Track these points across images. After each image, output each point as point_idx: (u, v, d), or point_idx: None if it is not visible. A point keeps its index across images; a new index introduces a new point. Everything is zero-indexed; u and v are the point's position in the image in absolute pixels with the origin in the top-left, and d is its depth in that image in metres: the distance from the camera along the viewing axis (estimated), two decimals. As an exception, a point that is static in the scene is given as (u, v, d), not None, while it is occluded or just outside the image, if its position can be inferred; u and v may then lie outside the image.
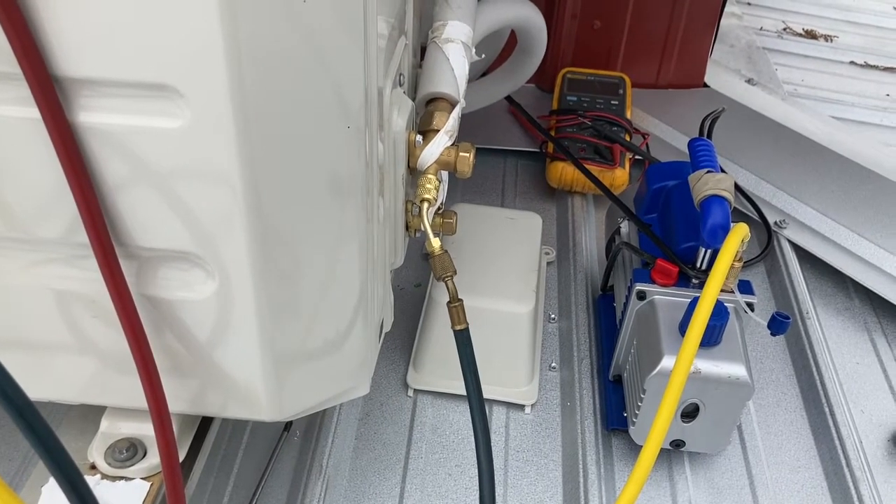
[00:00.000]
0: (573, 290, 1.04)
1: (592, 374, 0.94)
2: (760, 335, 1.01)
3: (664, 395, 0.69)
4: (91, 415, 0.68)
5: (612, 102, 1.24)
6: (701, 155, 0.86)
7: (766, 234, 1.12)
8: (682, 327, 0.80)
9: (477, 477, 0.84)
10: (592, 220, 1.16)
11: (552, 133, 1.21)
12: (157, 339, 0.59)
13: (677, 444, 0.84)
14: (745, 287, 0.84)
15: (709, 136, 1.22)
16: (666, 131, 1.26)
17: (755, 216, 1.13)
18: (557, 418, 0.91)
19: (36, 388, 0.59)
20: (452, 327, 0.70)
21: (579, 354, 0.96)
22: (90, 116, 0.49)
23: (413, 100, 0.73)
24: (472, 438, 0.87)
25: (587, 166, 1.15)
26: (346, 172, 0.57)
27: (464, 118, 1.10)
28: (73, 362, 0.63)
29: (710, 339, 0.79)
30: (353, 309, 0.64)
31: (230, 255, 0.55)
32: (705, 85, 1.37)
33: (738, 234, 0.75)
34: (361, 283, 0.64)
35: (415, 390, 0.92)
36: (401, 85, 0.71)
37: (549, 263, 1.09)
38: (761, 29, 1.71)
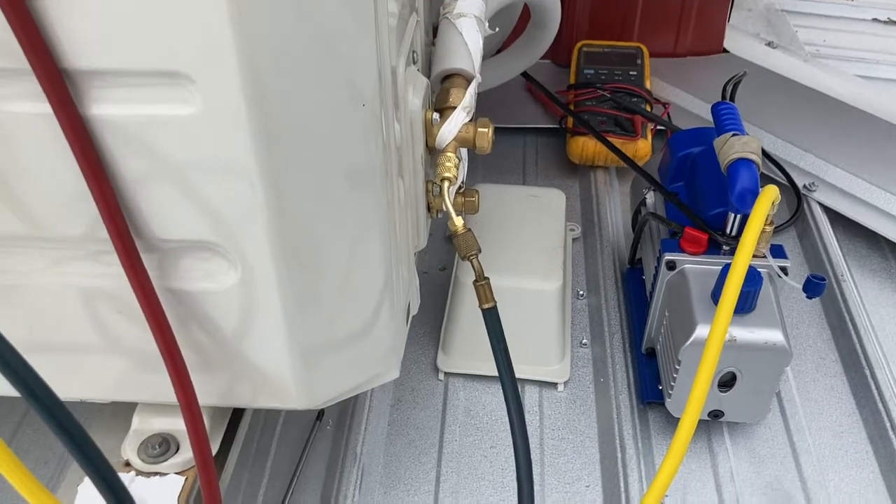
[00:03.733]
0: (600, 266, 1.02)
1: (625, 349, 0.93)
2: (795, 300, 0.99)
3: (700, 365, 0.68)
4: (122, 412, 0.68)
5: (631, 73, 1.22)
6: (725, 118, 0.84)
7: (795, 198, 1.09)
8: (715, 295, 0.78)
9: (513, 457, 0.83)
10: (616, 193, 1.14)
11: (571, 108, 1.19)
12: (184, 333, 0.59)
13: (715, 415, 0.82)
14: (777, 251, 0.82)
15: (731, 100, 1.20)
16: (687, 100, 1.24)
17: (783, 180, 1.11)
18: (591, 395, 0.89)
19: (66, 387, 0.59)
20: (480, 306, 0.69)
21: (610, 329, 0.95)
22: (102, 108, 0.48)
23: (428, 78, 0.72)
24: (506, 420, 0.86)
25: (609, 139, 1.13)
26: (364, 155, 0.56)
27: (480, 97, 1.09)
28: (102, 360, 0.62)
29: (745, 305, 0.77)
30: (378, 293, 0.63)
31: (250, 243, 0.54)
32: (725, 51, 1.34)
33: (769, 197, 0.73)
34: (385, 267, 0.63)
35: (445, 374, 0.91)
36: (414, 63, 0.70)
37: (574, 240, 1.07)
38: (779, -9, 1.67)
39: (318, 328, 0.61)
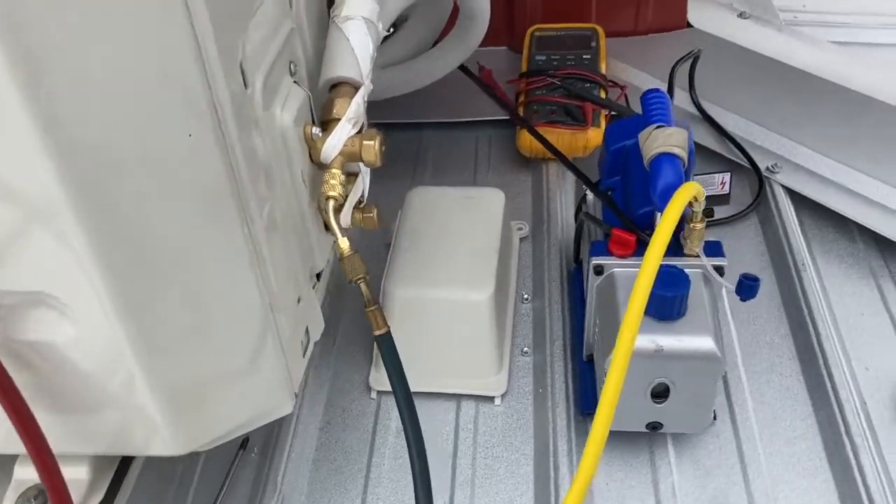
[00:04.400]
0: (547, 266, 0.97)
1: (566, 356, 0.88)
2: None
3: (606, 380, 0.62)
4: (7, 464, 0.65)
5: (584, 57, 1.16)
6: (653, 108, 0.79)
7: (757, 181, 1.03)
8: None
9: (442, 479, 0.80)
10: (569, 187, 1.08)
11: (522, 97, 1.14)
12: (35, 383, 0.55)
13: (654, 427, 0.77)
14: (713, 249, 0.77)
15: (690, 82, 1.14)
16: (647, 81, 1.17)
17: (745, 163, 1.04)
18: (530, 407, 0.85)
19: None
20: (373, 332, 0.65)
21: (552, 336, 0.90)
22: None
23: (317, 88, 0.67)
24: (438, 438, 0.83)
25: (559, 130, 1.07)
26: (201, 185, 0.52)
27: (432, 92, 1.05)
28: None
29: (672, 311, 0.72)
30: (251, 328, 0.60)
31: (85, 295, 0.50)
32: (689, 25, 1.27)
33: (684, 195, 0.67)
34: (259, 298, 0.59)
35: (378, 392, 0.87)
36: (292, 74, 0.65)
37: (522, 239, 1.02)
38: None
39: (184, 370, 0.57)
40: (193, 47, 0.47)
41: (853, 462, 0.75)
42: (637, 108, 1.10)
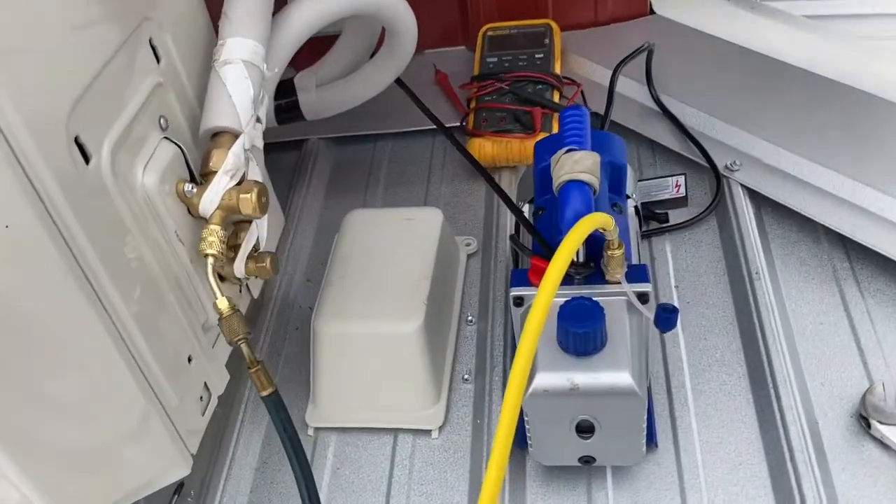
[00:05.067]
0: (492, 285, 0.94)
1: (504, 385, 0.84)
2: (707, 305, 0.88)
3: (497, 431, 0.59)
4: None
5: (537, 56, 1.11)
6: (568, 129, 0.75)
7: (716, 181, 0.98)
8: (558, 337, 0.70)
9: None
10: (521, 196, 1.04)
11: (473, 103, 1.10)
12: None
13: (587, 461, 0.74)
14: (637, 274, 0.73)
15: (648, 77, 1.08)
16: (605, 75, 1.12)
17: (702, 161, 0.99)
18: (468, 439, 0.82)
19: None
20: (259, 392, 0.63)
21: (492, 361, 0.87)
22: None
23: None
24: (372, 476, 0.81)
25: (507, 138, 1.03)
26: (38, 277, 0.50)
27: (384, 101, 1.01)
28: None
29: (588, 347, 0.68)
30: (128, 402, 0.58)
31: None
32: (652, 11, 1.21)
33: (583, 227, 0.63)
34: (130, 373, 0.57)
35: (315, 429, 0.86)
36: (164, 129, 0.63)
37: (470, 256, 0.99)
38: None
39: (53, 460, 0.56)
40: None
41: (795, 492, 0.71)
42: (598, 106, 1.07)
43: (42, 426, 0.55)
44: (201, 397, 0.67)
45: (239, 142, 0.65)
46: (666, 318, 0.68)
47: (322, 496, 0.80)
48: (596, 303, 0.69)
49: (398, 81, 1.01)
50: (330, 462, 0.83)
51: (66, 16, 0.52)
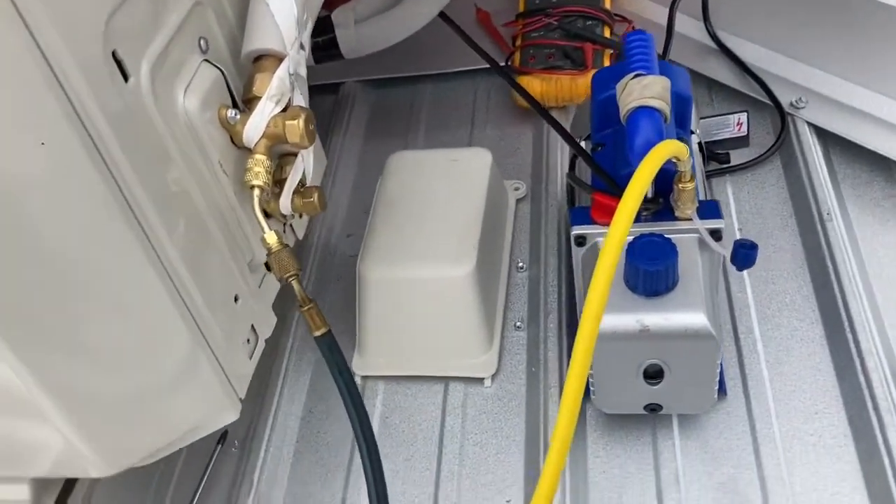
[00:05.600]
0: (544, 230, 0.89)
1: (560, 330, 0.80)
2: (774, 248, 0.83)
3: (568, 374, 0.55)
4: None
5: (587, -9, 1.05)
6: (635, 54, 0.69)
7: (780, 119, 0.92)
8: (625, 277, 0.65)
9: (428, 472, 0.74)
10: (571, 138, 0.99)
11: (519, 41, 1.04)
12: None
13: (653, 409, 0.70)
14: (708, 210, 0.68)
15: (704, 11, 1.02)
16: (657, 12, 1.06)
17: (765, 98, 0.93)
18: (522, 388, 0.78)
19: None
20: (311, 332, 0.59)
21: (546, 307, 0.82)
22: None
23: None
24: (424, 426, 0.77)
25: (557, 76, 0.98)
26: (78, 200, 0.46)
27: (424, 42, 0.96)
28: None
29: (659, 286, 0.64)
30: (174, 340, 0.54)
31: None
32: (706, -57, 1.14)
33: (657, 154, 0.58)
34: (175, 309, 0.53)
35: (362, 377, 0.82)
36: (203, 51, 0.58)
37: (519, 200, 0.94)
38: None
39: (103, 392, 0.53)
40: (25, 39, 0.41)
41: (880, 440, 0.66)
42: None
43: (85, 368, 0.51)
44: (248, 340, 0.63)
45: (283, 65, 0.60)
46: (745, 254, 0.63)
47: (371, 446, 0.77)
48: (668, 239, 0.64)
49: (443, 15, 0.96)
50: (379, 411, 0.80)
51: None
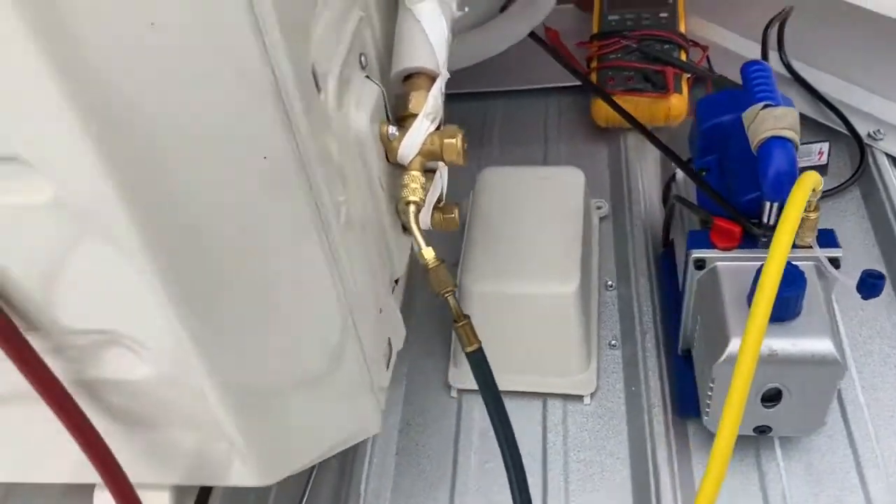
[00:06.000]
0: (631, 249, 0.91)
1: (659, 350, 0.82)
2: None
3: (729, 392, 0.56)
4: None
5: (661, 16, 1.07)
6: (757, 84, 0.71)
7: (858, 150, 0.94)
8: (751, 299, 0.67)
9: (535, 487, 0.75)
10: (651, 160, 1.01)
11: (594, 62, 1.06)
12: (110, 415, 0.52)
13: (762, 431, 0.71)
14: (827, 239, 0.70)
15: (780, 42, 1.04)
16: (731, 39, 1.08)
17: (843, 129, 0.96)
18: (622, 406, 0.80)
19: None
20: (463, 349, 0.60)
21: (642, 327, 0.84)
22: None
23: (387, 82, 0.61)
24: (525, 440, 0.78)
25: (636, 97, 1.00)
26: (284, 203, 0.47)
27: (495, 59, 0.98)
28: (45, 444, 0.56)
29: (786, 312, 0.65)
30: (335, 339, 0.55)
31: (160, 331, 0.46)
32: (774, -26, 1.17)
33: (806, 185, 0.61)
34: (339, 308, 0.54)
35: (458, 390, 0.83)
36: (363, 67, 0.59)
37: (602, 219, 0.95)
38: None
39: (259, 391, 0.53)
40: (256, 34, 0.41)
41: None
42: (721, 69, 1.03)
43: (262, 375, 0.52)
44: (385, 353, 0.64)
45: (437, 84, 0.61)
46: (872, 283, 0.65)
47: (473, 458, 0.78)
48: (796, 266, 0.66)
49: (532, 35, 0.97)
50: (477, 424, 0.80)
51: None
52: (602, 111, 1.02)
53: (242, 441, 0.53)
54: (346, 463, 0.79)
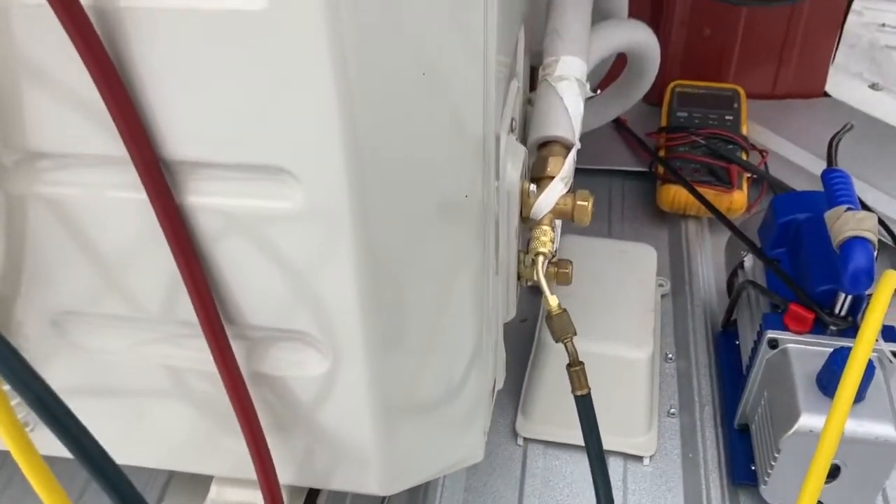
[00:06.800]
0: (691, 327, 0.98)
1: (715, 422, 0.88)
2: None
3: (810, 467, 0.63)
4: (199, 484, 0.66)
5: (727, 117, 1.17)
6: (838, 189, 0.79)
7: (902, 261, 1.03)
8: (821, 381, 0.73)
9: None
10: (709, 246, 1.09)
11: (662, 152, 1.15)
12: (264, 410, 0.57)
13: (816, 506, 0.77)
14: (890, 334, 0.77)
15: (835, 155, 1.14)
16: (785, 147, 1.18)
17: (890, 241, 1.04)
18: (679, 470, 0.85)
19: (138, 454, 0.58)
20: (573, 392, 0.65)
21: (701, 399, 0.90)
22: (200, 198, 0.47)
23: (524, 143, 0.69)
24: (586, 493, 0.83)
25: (702, 189, 1.08)
26: (466, 239, 0.53)
27: None
28: (178, 430, 0.61)
29: (855, 396, 0.72)
30: (465, 366, 0.61)
31: (345, 335, 0.52)
32: (826, 94, 1.27)
33: (891, 282, 0.68)
34: (475, 342, 0.60)
35: (525, 439, 0.88)
36: (513, 131, 0.66)
37: (663, 296, 1.02)
38: (883, 25, 1.59)
39: (403, 402, 0.58)
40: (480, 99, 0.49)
41: None
42: (777, 172, 1.12)
43: (411, 391, 0.57)
44: (491, 387, 0.69)
45: (573, 151, 0.68)
46: (935, 379, 0.72)
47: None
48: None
49: (615, 120, 1.06)
50: (541, 472, 0.85)
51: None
52: (668, 196, 1.10)
53: (376, 451, 0.58)
54: (417, 493, 0.83)
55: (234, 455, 0.58)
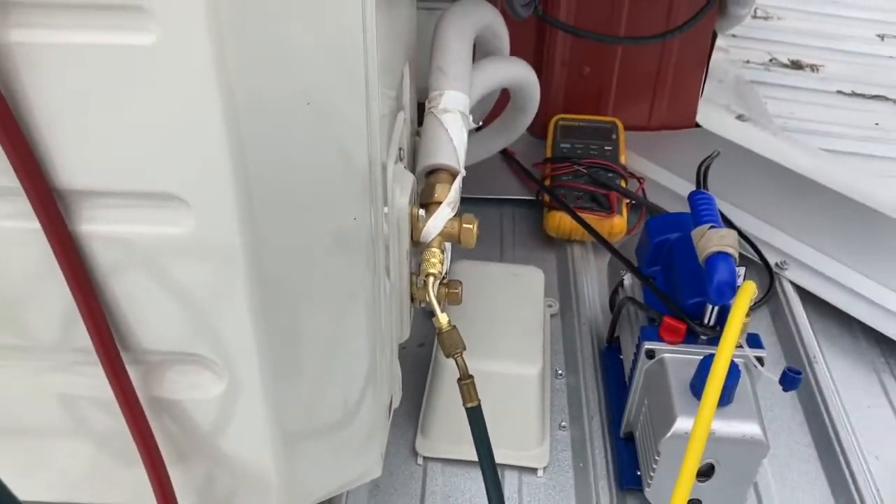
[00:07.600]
0: (579, 344, 1.03)
1: (603, 432, 0.93)
2: (766, 383, 1.00)
3: (682, 464, 0.68)
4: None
5: (606, 148, 1.24)
6: (702, 209, 0.86)
7: (767, 276, 1.11)
8: (694, 386, 0.79)
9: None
10: (593, 268, 1.15)
11: (548, 181, 1.21)
12: (164, 439, 0.58)
13: (693, 504, 0.83)
14: (754, 341, 0.84)
15: (704, 180, 1.22)
16: (660, 174, 1.26)
17: (755, 258, 1.13)
18: (571, 480, 0.89)
19: (33, 486, 0.58)
20: (464, 404, 0.69)
21: (589, 412, 0.95)
22: (94, 226, 0.48)
23: (413, 172, 0.73)
24: (486, 506, 0.86)
25: (585, 215, 1.14)
26: (356, 266, 0.56)
27: None
28: (77, 462, 0.61)
29: (723, 398, 0.77)
30: (361, 387, 0.63)
31: (241, 360, 0.54)
32: (697, 125, 1.37)
33: (748, 293, 0.74)
34: (370, 362, 0.63)
35: (424, 458, 0.91)
36: (401, 160, 0.70)
37: (552, 316, 1.08)
38: (748, 62, 1.72)
39: (302, 424, 0.61)
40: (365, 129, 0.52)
41: (874, 546, 0.82)
42: (654, 198, 1.20)
43: (309, 410, 0.59)
44: (387, 405, 0.72)
45: (459, 178, 0.73)
46: (792, 378, 0.78)
47: (439, 521, 0.85)
48: (732, 361, 0.79)
49: (503, 152, 1.11)
50: (440, 490, 0.88)
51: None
52: (554, 222, 1.16)
53: (276, 474, 0.60)
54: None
55: (134, 485, 0.59)
